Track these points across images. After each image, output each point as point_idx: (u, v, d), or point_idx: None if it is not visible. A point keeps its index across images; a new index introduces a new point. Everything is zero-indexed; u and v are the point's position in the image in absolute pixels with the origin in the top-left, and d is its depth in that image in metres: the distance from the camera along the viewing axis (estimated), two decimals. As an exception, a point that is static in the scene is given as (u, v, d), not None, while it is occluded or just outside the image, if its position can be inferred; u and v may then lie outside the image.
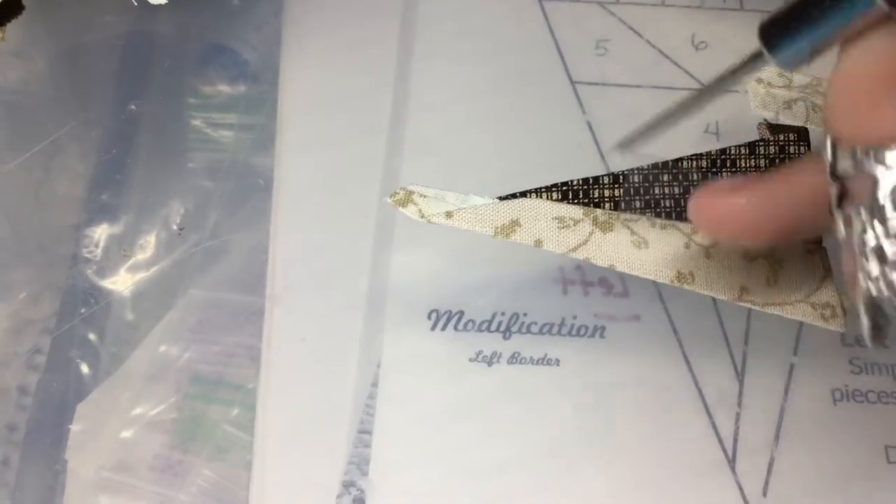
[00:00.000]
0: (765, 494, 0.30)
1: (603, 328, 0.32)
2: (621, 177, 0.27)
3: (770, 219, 0.22)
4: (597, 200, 0.27)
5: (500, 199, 0.27)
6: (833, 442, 0.31)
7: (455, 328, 0.32)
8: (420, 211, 0.27)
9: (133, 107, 0.36)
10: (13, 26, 0.31)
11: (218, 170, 0.36)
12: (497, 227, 0.27)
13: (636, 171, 0.27)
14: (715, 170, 0.27)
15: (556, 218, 0.27)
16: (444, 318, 0.32)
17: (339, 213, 0.34)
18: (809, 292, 0.27)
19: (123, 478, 0.32)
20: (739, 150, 0.27)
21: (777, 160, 0.27)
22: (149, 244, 0.35)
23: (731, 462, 0.31)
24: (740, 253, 0.27)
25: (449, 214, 0.27)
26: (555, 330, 0.32)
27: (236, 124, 0.36)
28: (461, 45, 0.37)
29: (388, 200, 0.27)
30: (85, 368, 0.34)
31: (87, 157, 0.36)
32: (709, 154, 0.27)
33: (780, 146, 0.28)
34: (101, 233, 0.35)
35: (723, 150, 0.27)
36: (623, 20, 0.37)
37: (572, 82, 0.36)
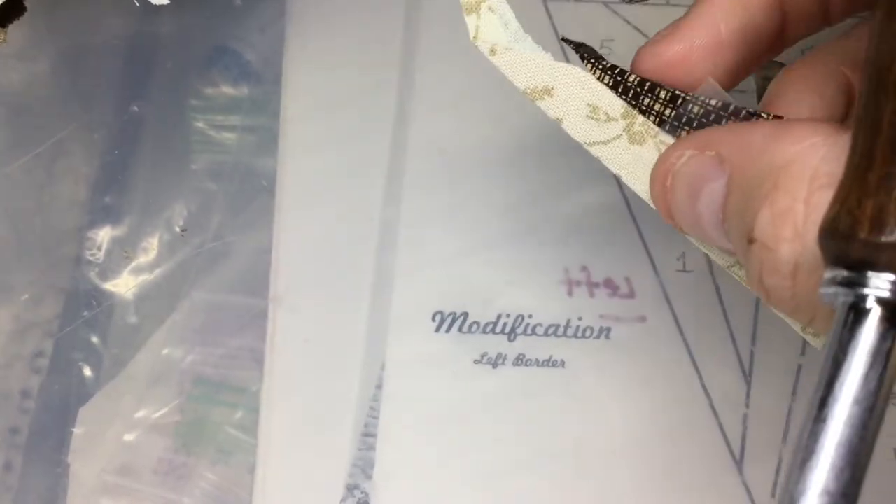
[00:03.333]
0: (773, 496, 0.30)
1: (609, 329, 0.32)
2: (681, 99, 0.24)
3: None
4: (645, 108, 0.24)
5: (562, 39, 0.25)
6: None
7: (459, 330, 0.32)
8: (477, 28, 0.25)
9: (136, 108, 0.36)
10: (15, 28, 0.30)
11: (221, 171, 0.35)
12: (529, 87, 0.25)
13: (699, 101, 0.24)
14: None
15: (590, 105, 0.24)
16: (449, 320, 0.32)
17: (342, 214, 0.34)
18: None
19: (126, 481, 0.32)
20: None
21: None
22: (151, 246, 0.35)
23: (739, 464, 0.30)
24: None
25: (493, 51, 0.25)
26: (560, 331, 0.32)
27: (239, 126, 0.36)
28: (465, 44, 0.36)
29: None
30: (87, 371, 0.34)
31: (90, 159, 0.36)
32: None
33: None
34: (103, 235, 0.35)
35: None
36: (628, 20, 0.37)
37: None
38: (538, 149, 0.35)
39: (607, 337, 0.32)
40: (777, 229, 0.17)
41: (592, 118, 0.24)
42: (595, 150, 0.24)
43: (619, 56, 0.36)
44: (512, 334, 0.32)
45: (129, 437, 0.33)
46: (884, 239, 0.16)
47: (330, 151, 0.35)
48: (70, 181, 0.36)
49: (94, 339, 0.34)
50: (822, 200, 0.17)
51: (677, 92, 0.23)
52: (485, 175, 0.34)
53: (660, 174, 0.22)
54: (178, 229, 0.35)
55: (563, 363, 0.32)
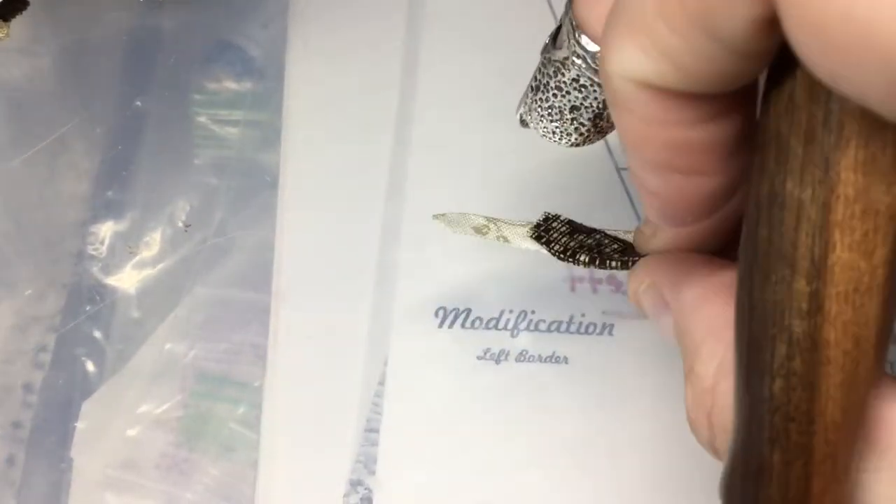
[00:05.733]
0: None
1: (612, 326, 0.32)
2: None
3: None
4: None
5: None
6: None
7: (462, 326, 0.32)
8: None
9: (138, 103, 0.36)
10: (17, 22, 0.30)
11: (224, 167, 0.35)
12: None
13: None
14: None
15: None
16: (452, 316, 0.32)
17: (345, 209, 0.34)
18: None
19: (129, 476, 0.32)
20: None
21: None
22: (154, 241, 0.35)
23: (742, 460, 0.30)
24: None
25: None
26: (563, 327, 0.32)
27: (242, 121, 0.36)
28: (468, 41, 0.36)
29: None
30: (90, 366, 0.34)
31: (93, 154, 0.36)
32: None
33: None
34: (106, 230, 0.35)
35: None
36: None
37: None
38: (540, 146, 0.35)
39: (610, 333, 0.32)
40: (697, 415, 0.19)
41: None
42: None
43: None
44: (515, 330, 0.32)
45: (132, 432, 0.33)
46: None
47: (333, 147, 0.35)
48: (72, 176, 0.36)
49: (97, 334, 0.34)
50: (726, 392, 0.18)
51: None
52: (487, 171, 0.34)
53: (631, 289, 0.23)
54: (180, 224, 0.35)
55: (565, 359, 0.32)
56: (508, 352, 0.32)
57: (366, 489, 0.30)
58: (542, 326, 0.32)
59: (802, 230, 0.15)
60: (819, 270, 0.15)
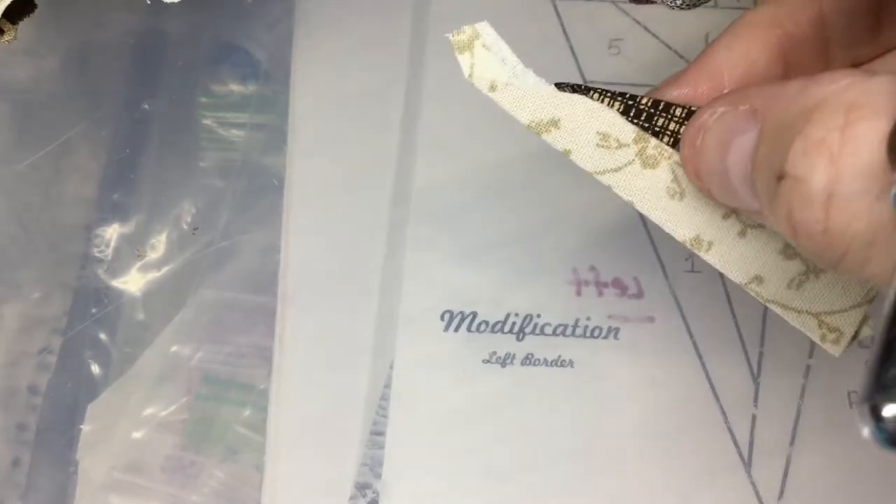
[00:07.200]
0: (781, 497, 0.30)
1: (617, 329, 0.32)
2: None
3: None
4: (659, 129, 0.24)
5: (558, 85, 0.24)
6: (849, 444, 0.30)
7: (468, 329, 0.32)
8: (472, 66, 0.24)
9: (145, 106, 0.36)
10: (24, 25, 0.30)
11: (230, 169, 0.35)
12: (534, 121, 0.24)
13: None
14: None
15: (599, 133, 0.24)
16: (458, 319, 0.32)
17: (351, 212, 0.34)
18: (827, 311, 0.25)
19: (135, 478, 0.32)
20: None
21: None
22: (160, 244, 0.35)
23: (747, 464, 0.30)
24: (780, 247, 0.24)
25: (493, 87, 0.24)
26: (568, 331, 0.32)
27: (248, 123, 0.36)
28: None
29: (450, 37, 0.24)
30: (96, 368, 0.34)
31: (99, 157, 0.36)
32: None
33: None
34: (112, 232, 0.35)
35: None
36: (636, 19, 0.37)
37: (585, 82, 0.36)
38: (547, 148, 0.35)
39: (616, 337, 0.32)
40: (810, 159, 0.17)
41: (603, 146, 0.24)
42: (605, 179, 0.24)
43: (629, 56, 0.36)
44: (521, 334, 0.32)
45: (137, 435, 0.33)
46: None
47: (339, 150, 0.35)
48: (78, 179, 0.36)
49: (103, 337, 0.34)
50: (861, 132, 0.16)
51: (693, 108, 0.23)
52: (493, 174, 0.34)
53: (691, 133, 0.22)
54: (186, 227, 0.35)
55: (571, 363, 0.32)
56: (514, 355, 0.32)
57: (373, 492, 0.30)
58: (548, 330, 0.32)
59: None
60: None
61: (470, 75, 0.24)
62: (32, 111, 0.37)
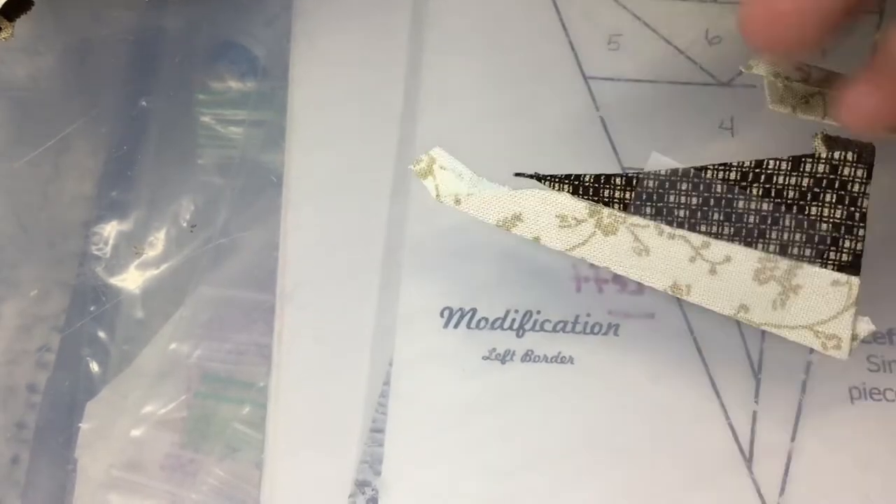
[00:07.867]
0: (782, 493, 0.30)
1: (617, 326, 0.32)
2: (635, 180, 0.26)
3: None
4: (607, 200, 0.26)
5: (515, 175, 0.27)
6: (851, 440, 0.30)
7: (468, 326, 0.32)
8: (437, 187, 0.27)
9: (143, 103, 0.36)
10: (21, 22, 0.30)
11: (228, 166, 0.35)
12: (500, 220, 0.27)
13: (652, 176, 0.26)
14: (745, 184, 0.26)
15: (558, 216, 0.26)
16: (457, 316, 0.32)
17: (350, 209, 0.34)
18: (818, 321, 0.26)
19: (134, 476, 0.32)
20: (779, 165, 0.25)
21: (825, 181, 0.25)
22: (159, 241, 0.35)
23: (748, 461, 0.30)
24: (751, 275, 0.26)
25: (458, 200, 0.27)
26: (569, 328, 0.32)
27: (246, 120, 0.36)
28: (472, 39, 0.36)
29: (412, 168, 0.28)
30: (95, 366, 0.34)
31: (97, 154, 0.36)
32: (740, 165, 0.26)
33: (833, 165, 0.25)
34: (110, 230, 0.35)
35: (759, 163, 0.25)
36: (636, 14, 0.37)
37: (585, 77, 0.36)
38: (547, 143, 0.35)
39: (616, 333, 0.32)
40: None
41: (564, 226, 0.26)
42: (577, 253, 0.27)
43: (628, 51, 0.36)
44: (520, 330, 0.32)
45: (136, 433, 0.33)
46: None
47: (337, 146, 0.35)
48: (77, 176, 0.36)
49: (102, 335, 0.34)
50: None
51: (629, 175, 0.26)
52: (492, 170, 0.34)
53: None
54: (185, 224, 0.35)
55: (571, 359, 0.32)
56: (514, 352, 0.32)
57: (372, 490, 0.30)
58: (548, 326, 0.32)
59: None
60: None
61: (437, 196, 0.27)
62: (30, 108, 0.37)
